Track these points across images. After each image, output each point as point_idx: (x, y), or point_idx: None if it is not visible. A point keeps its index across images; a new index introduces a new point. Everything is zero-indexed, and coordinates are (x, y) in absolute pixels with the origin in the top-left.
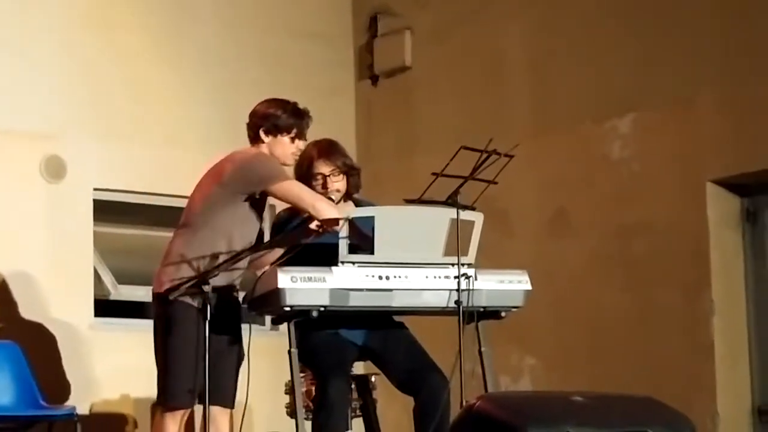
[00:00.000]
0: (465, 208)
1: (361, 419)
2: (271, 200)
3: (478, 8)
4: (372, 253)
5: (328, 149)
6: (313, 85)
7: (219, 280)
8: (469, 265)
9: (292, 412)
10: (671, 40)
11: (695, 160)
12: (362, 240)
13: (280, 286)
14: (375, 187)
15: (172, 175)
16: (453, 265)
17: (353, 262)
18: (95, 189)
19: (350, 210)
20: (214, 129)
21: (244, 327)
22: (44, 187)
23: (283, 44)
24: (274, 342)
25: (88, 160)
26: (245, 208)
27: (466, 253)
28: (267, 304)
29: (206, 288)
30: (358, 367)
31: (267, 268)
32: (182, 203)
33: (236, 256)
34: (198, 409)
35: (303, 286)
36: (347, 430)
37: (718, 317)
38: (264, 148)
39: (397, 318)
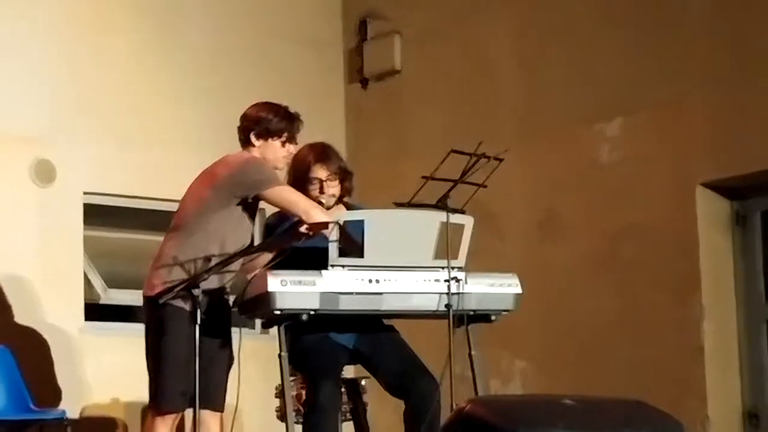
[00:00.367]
0: (455, 211)
1: (351, 423)
2: (261, 204)
3: (467, 12)
4: (361, 257)
5: (324, 154)
6: (303, 89)
7: (210, 283)
8: (459, 269)
9: (282, 415)
10: (660, 43)
11: (685, 163)
12: (350, 245)
13: (270, 289)
14: (365, 190)
15: (163, 178)
16: (443, 268)
17: (343, 266)
18: (85, 193)
19: (341, 214)
20: (204, 132)
21: (234, 330)
22: (34, 191)
23: (273, 48)
24: (264, 345)
25: (78, 164)
26: (238, 212)
27: (456, 257)
28: (257, 307)
29: (196, 291)
30: (348, 371)
31: (258, 271)
32: (173, 207)
33: (227, 260)
34: (188, 412)
35: (293, 290)
36: None
37: (708, 321)
38: (255, 152)
39: (387, 321)
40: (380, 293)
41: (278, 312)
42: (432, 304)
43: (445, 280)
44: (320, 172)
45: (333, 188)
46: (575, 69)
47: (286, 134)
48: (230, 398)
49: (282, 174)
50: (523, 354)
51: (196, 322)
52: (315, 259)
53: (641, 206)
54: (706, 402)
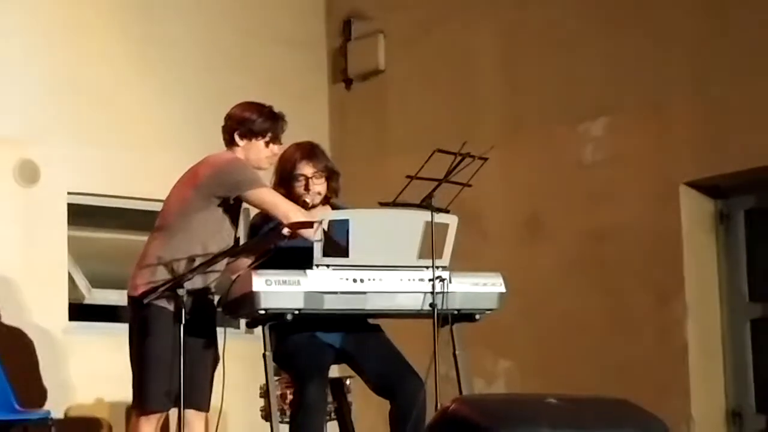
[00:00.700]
0: (439, 211)
1: (336, 422)
2: (246, 204)
3: (450, 12)
4: (346, 257)
5: (311, 152)
6: (287, 89)
7: (194, 283)
8: (444, 268)
9: (266, 415)
10: (644, 43)
11: (668, 163)
12: (332, 248)
13: (254, 289)
14: (349, 190)
15: (147, 178)
16: (427, 267)
17: (328, 265)
18: (69, 193)
19: (326, 213)
20: (188, 132)
21: (219, 330)
22: (18, 191)
23: (257, 48)
24: (248, 345)
25: (62, 164)
26: (220, 212)
27: (440, 256)
28: (242, 307)
29: (181, 291)
30: (333, 370)
31: (242, 271)
32: (157, 207)
33: (211, 260)
34: (173, 412)
35: (278, 289)
36: None
37: (691, 320)
38: (239, 152)
39: (372, 321)
40: (365, 293)
41: (263, 312)
42: (417, 303)
43: (430, 280)
44: (306, 169)
45: (318, 186)
46: (559, 69)
47: (269, 135)
48: (215, 398)
49: (267, 174)
50: (507, 353)
51: (180, 322)
52: (300, 259)
53: (625, 206)
54: (689, 401)
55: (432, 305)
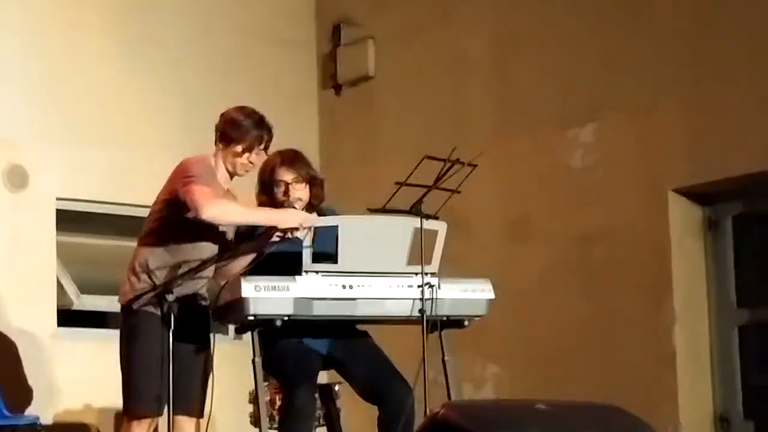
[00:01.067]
0: (428, 217)
1: (324, 428)
2: None
3: (440, 17)
4: (335, 263)
5: (291, 158)
6: (277, 94)
7: (184, 289)
8: (433, 274)
9: (255, 421)
10: (634, 48)
11: (657, 169)
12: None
13: (244, 295)
14: (338, 195)
15: (137, 184)
16: (416, 274)
17: (317, 271)
18: (58, 198)
19: (314, 219)
20: (178, 137)
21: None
22: (7, 196)
23: (248, 52)
24: (237, 351)
25: (51, 170)
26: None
27: (429, 262)
28: (231, 313)
29: (169, 297)
30: (322, 376)
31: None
32: (146, 213)
33: (199, 266)
34: (164, 419)
35: (267, 295)
36: None
37: (679, 325)
38: (218, 154)
39: (361, 327)
40: (354, 299)
41: (252, 317)
42: (405, 309)
43: (419, 286)
44: (286, 175)
45: (299, 192)
46: (548, 74)
47: (246, 143)
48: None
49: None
50: (495, 359)
51: (169, 328)
52: (289, 265)
53: (614, 211)
54: (677, 406)
55: (421, 311)
